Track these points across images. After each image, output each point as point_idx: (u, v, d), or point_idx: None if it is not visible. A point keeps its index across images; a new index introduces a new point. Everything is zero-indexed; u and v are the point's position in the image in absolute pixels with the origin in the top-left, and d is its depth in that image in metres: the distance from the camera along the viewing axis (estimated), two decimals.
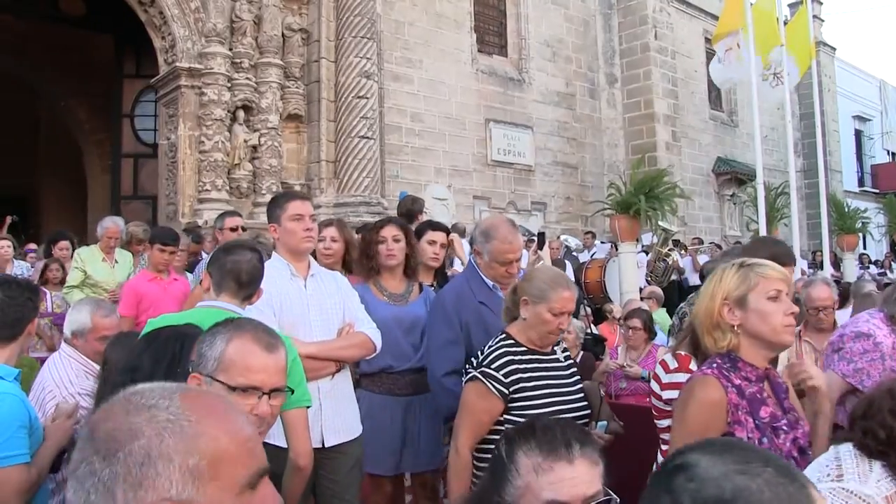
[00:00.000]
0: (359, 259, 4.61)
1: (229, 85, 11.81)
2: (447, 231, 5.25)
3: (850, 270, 16.13)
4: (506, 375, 3.14)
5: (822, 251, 15.08)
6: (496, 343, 3.28)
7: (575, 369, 3.49)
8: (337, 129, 12.59)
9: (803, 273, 12.52)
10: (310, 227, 3.66)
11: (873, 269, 19.65)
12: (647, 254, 12.95)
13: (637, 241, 12.79)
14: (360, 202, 12.30)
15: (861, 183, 29.62)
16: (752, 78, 11.91)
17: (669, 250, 12.91)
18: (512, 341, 3.27)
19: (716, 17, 21.42)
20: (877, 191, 28.95)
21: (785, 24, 14.16)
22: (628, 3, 18.83)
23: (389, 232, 4.42)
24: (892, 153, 31.73)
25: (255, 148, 12.00)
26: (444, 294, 4.10)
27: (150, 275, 6.24)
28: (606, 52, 18.82)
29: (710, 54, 21.50)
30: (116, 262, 7.62)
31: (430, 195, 14.07)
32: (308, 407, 3.07)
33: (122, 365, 2.45)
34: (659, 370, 3.37)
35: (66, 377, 3.50)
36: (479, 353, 3.34)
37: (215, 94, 11.61)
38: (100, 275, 7.44)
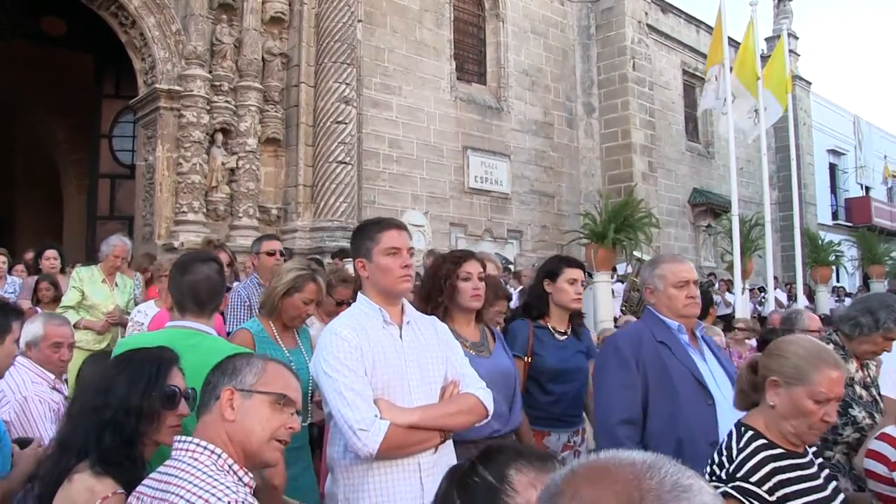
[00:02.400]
0: (424, 296, 3.80)
1: (208, 107, 11.86)
2: (583, 267, 4.61)
3: (824, 302, 16.32)
4: (771, 491, 2.43)
5: (795, 283, 15.21)
6: (745, 442, 2.55)
7: (827, 471, 2.71)
8: (315, 153, 12.64)
9: (781, 305, 12.67)
10: (408, 264, 2.96)
11: (847, 302, 19.83)
12: (622, 283, 13.04)
13: (613, 270, 12.90)
14: (337, 227, 12.33)
15: (835, 216, 29.94)
16: (730, 111, 12.07)
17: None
18: (764, 441, 2.55)
19: (694, 50, 21.90)
20: (850, 224, 29.24)
21: (763, 58, 14.38)
22: (607, 33, 19.06)
23: (475, 268, 3.75)
24: (866, 187, 32.10)
25: (232, 171, 12.03)
26: (619, 336, 3.68)
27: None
28: (585, 82, 19.02)
29: (687, 86, 21.89)
30: (116, 285, 7.33)
31: (407, 221, 14.09)
32: None
33: (95, 386, 2.43)
34: (884, 447, 3.06)
35: (21, 382, 3.59)
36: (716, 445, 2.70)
37: (194, 116, 11.64)
38: (98, 297, 7.13)
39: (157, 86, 11.73)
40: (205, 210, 11.77)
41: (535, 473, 1.55)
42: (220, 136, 11.96)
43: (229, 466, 2.07)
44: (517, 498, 1.52)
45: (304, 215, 12.58)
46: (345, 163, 12.63)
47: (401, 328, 2.97)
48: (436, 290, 3.70)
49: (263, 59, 12.60)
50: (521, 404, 3.85)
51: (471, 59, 16.71)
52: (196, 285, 3.14)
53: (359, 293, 3.07)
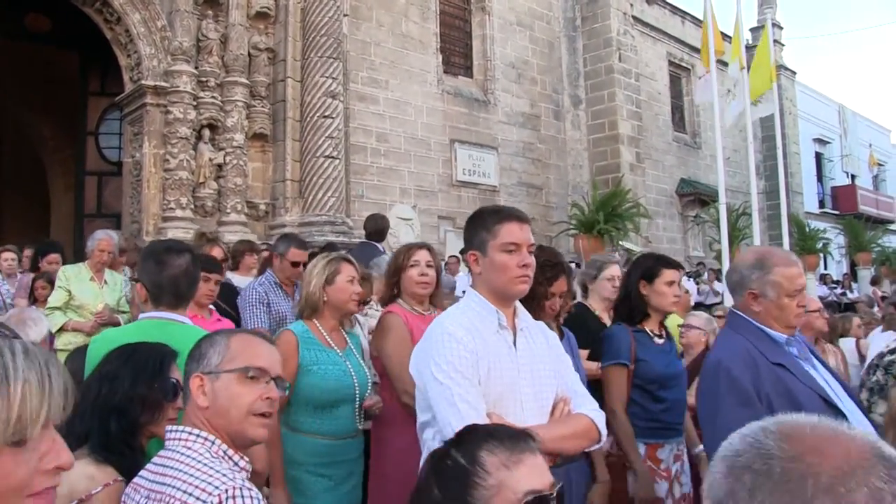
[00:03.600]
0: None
1: (195, 103, 11.82)
2: (680, 267, 4.41)
3: (812, 290, 16.43)
4: None
5: None
6: None
7: None
8: (302, 148, 12.63)
9: None
10: (528, 263, 2.59)
11: (838, 290, 20.02)
12: None
13: None
14: (326, 221, 12.33)
15: (822, 204, 30.15)
16: (715, 100, 12.12)
17: None
18: None
19: (679, 41, 21.97)
20: (837, 212, 29.47)
21: (747, 48, 14.44)
22: (593, 25, 19.09)
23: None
24: (852, 175, 32.29)
25: (220, 167, 12.00)
26: (723, 360, 3.00)
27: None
28: (571, 74, 19.05)
29: (673, 77, 21.96)
30: (106, 282, 6.95)
31: (395, 215, 14.14)
32: None
33: (100, 374, 2.47)
34: None
35: None
36: None
37: (181, 112, 11.61)
38: (86, 296, 6.74)
39: (143, 82, 11.69)
40: (192, 206, 11.75)
41: (508, 454, 1.57)
42: (206, 132, 11.91)
43: (224, 452, 2.06)
44: (489, 479, 1.54)
45: (292, 210, 12.58)
46: (332, 157, 12.62)
47: (514, 334, 2.65)
48: (540, 296, 3.50)
49: (249, 54, 12.56)
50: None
51: (457, 52, 16.71)
52: (176, 280, 3.10)
53: (469, 288, 2.76)
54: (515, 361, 2.58)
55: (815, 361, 3.13)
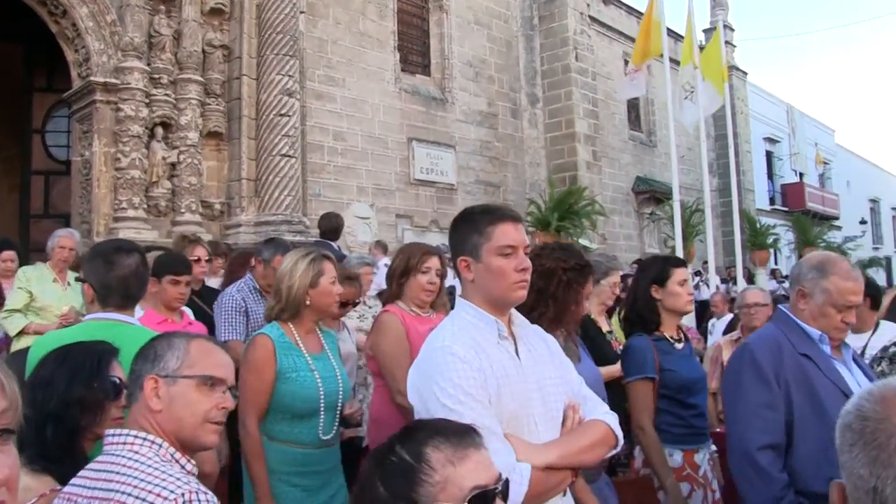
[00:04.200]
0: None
1: (147, 101, 11.50)
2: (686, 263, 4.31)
3: (763, 285, 16.61)
4: None
5: (735, 266, 15.52)
6: None
7: None
8: (258, 147, 12.39)
9: (717, 288, 12.91)
10: (526, 267, 2.36)
11: (787, 285, 20.30)
12: None
13: None
14: (282, 221, 12.11)
15: (772, 201, 30.72)
16: (669, 99, 12.20)
17: None
18: None
19: (635, 41, 22.09)
20: (786, 209, 30.06)
21: (700, 48, 14.57)
22: (550, 24, 19.11)
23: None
24: (800, 173, 32.90)
25: (173, 165, 11.69)
26: (753, 345, 3.10)
27: (157, 316, 4.48)
28: (528, 73, 19.04)
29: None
30: (69, 283, 6.66)
31: (352, 214, 13.99)
32: None
33: (33, 381, 2.38)
34: None
35: None
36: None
37: (132, 109, 11.28)
38: (49, 297, 6.47)
39: (92, 78, 11.33)
40: (145, 206, 11.43)
41: (453, 450, 1.56)
42: (160, 130, 11.59)
43: (171, 455, 2.00)
44: (435, 476, 1.53)
45: (248, 210, 12.33)
46: (289, 156, 12.40)
47: (515, 344, 2.41)
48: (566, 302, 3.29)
49: (204, 51, 12.26)
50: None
51: (415, 50, 16.57)
52: (126, 281, 3.04)
53: (459, 298, 2.49)
54: (522, 374, 2.34)
55: (855, 367, 3.10)
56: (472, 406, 2.14)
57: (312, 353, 3.61)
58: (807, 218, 24.45)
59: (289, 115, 12.44)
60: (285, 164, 12.33)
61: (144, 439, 1.99)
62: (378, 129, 15.04)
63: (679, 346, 3.99)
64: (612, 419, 2.48)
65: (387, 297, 4.12)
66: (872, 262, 27.87)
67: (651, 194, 21.73)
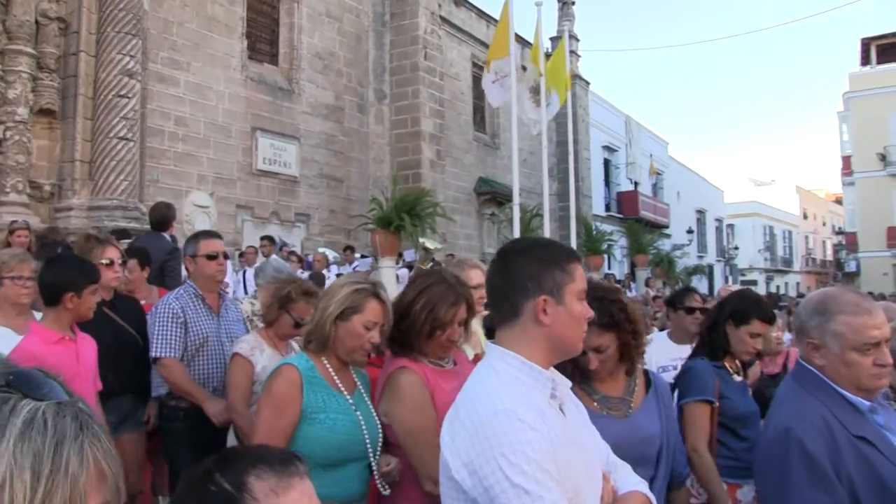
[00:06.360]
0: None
1: None
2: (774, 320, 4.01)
3: None
4: None
5: None
6: None
7: None
8: (94, 127, 11.94)
9: None
10: (589, 316, 2.09)
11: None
12: (410, 270, 13.32)
13: (399, 256, 13.15)
14: (117, 206, 11.73)
15: (608, 208, 32.02)
16: (513, 104, 12.60)
17: (430, 267, 13.35)
18: None
19: (484, 44, 22.57)
20: (621, 216, 31.34)
21: (547, 56, 15.11)
22: (401, 22, 19.28)
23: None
24: (635, 182, 34.42)
25: None
26: (799, 431, 2.38)
27: (52, 334, 3.68)
28: (377, 69, 19.14)
29: (476, 78, 22.60)
30: None
31: (191, 202, 13.72)
32: None
33: None
34: None
35: None
36: None
37: None
38: None
39: None
40: None
41: (277, 479, 1.47)
42: None
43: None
44: None
45: (80, 193, 11.86)
46: (126, 139, 12.02)
47: (560, 403, 2.02)
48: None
49: (38, 21, 11.67)
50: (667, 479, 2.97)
51: (263, 38, 16.35)
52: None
53: (502, 350, 2.01)
54: (577, 439, 2.00)
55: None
56: (549, 486, 1.78)
57: (350, 393, 3.05)
58: (640, 225, 25.49)
59: (128, 97, 12.06)
60: (122, 147, 11.94)
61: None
62: (222, 116, 14.77)
63: (737, 378, 3.88)
64: (645, 487, 2.22)
65: (389, 341, 3.18)
66: (697, 270, 29.33)
67: (493, 195, 22.25)
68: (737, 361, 3.93)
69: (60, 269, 3.74)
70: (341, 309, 2.98)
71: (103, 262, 4.52)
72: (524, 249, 2.09)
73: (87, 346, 3.84)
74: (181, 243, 6.04)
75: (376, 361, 3.44)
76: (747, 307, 3.84)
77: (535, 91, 13.99)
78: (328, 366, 3.02)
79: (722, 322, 3.84)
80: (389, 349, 3.13)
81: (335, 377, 3.01)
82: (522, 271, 2.01)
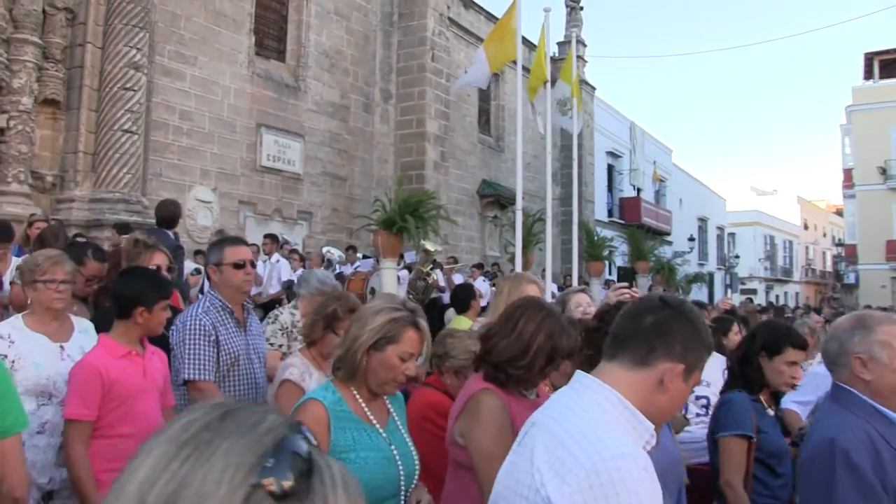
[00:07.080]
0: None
1: None
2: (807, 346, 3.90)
3: (596, 295, 17.33)
4: None
5: (571, 275, 16.08)
6: None
7: None
8: (98, 119, 11.89)
9: (553, 295, 13.36)
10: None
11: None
12: (410, 271, 13.28)
13: (400, 257, 13.09)
14: (119, 199, 11.68)
15: (610, 214, 31.98)
16: (519, 107, 12.54)
17: (431, 269, 13.30)
18: None
19: None
20: (623, 222, 31.30)
21: (553, 60, 15.05)
22: (409, 22, 19.22)
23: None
24: (638, 189, 34.39)
25: (2, 131, 11.03)
26: (840, 441, 2.41)
27: (120, 348, 3.55)
28: (384, 69, 19.09)
29: None
30: None
31: (193, 197, 13.66)
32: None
33: None
34: None
35: None
36: None
37: None
38: None
39: None
40: None
41: None
42: None
43: None
44: None
45: (83, 184, 11.80)
46: (131, 132, 11.96)
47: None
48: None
49: (45, 11, 11.63)
50: None
51: (271, 35, 16.30)
52: None
53: (609, 394, 1.86)
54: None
55: None
56: None
57: (382, 426, 2.81)
58: (641, 232, 25.42)
59: (134, 90, 12.00)
60: (126, 140, 11.89)
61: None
62: (227, 111, 14.71)
63: (770, 412, 3.78)
64: None
65: (473, 362, 3.04)
66: (697, 278, 29.22)
67: (496, 198, 22.20)
68: (773, 395, 3.86)
69: (133, 283, 3.64)
70: (376, 339, 2.71)
71: (150, 268, 4.38)
72: (697, 318, 1.96)
73: (157, 361, 3.71)
74: (182, 241, 5.99)
75: (433, 382, 3.32)
76: (779, 337, 3.76)
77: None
78: (357, 397, 2.77)
79: (754, 355, 3.75)
80: (481, 370, 2.93)
81: (365, 409, 2.76)
82: (681, 333, 1.90)
